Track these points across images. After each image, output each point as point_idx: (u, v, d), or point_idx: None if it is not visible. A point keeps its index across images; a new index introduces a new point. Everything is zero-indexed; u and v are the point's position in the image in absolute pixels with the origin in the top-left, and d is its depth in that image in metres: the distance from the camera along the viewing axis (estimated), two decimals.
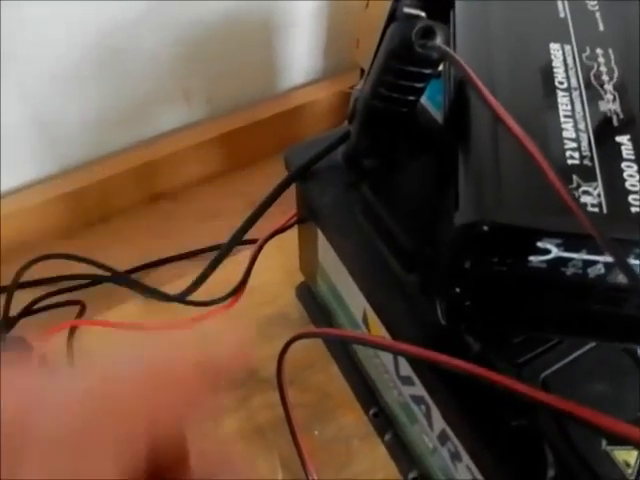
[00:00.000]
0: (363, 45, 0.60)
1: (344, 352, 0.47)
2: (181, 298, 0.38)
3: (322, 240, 0.39)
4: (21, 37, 0.48)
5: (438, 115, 0.36)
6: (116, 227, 0.63)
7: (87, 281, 0.56)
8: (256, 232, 0.42)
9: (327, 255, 0.39)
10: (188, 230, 0.64)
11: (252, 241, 0.42)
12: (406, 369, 0.34)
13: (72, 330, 0.49)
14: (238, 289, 0.40)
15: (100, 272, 0.55)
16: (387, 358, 0.37)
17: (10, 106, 0.52)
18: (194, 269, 0.49)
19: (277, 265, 0.53)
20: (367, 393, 0.46)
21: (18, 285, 0.55)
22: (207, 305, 0.41)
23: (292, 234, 0.46)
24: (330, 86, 0.67)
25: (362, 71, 0.64)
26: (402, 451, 0.43)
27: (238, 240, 0.36)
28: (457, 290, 0.28)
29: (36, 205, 0.58)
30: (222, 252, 0.35)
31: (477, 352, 0.29)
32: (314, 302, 0.50)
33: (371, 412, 0.45)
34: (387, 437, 0.44)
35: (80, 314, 0.53)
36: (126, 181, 0.62)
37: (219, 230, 0.63)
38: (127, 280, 0.48)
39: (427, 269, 0.31)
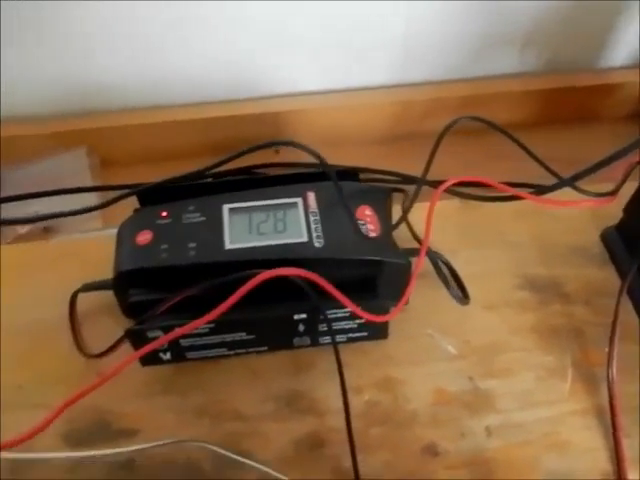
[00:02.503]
0: None
1: None
2: (570, 182, 0.43)
3: None
4: None
5: None
6: (419, 145, 0.70)
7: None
8: None
9: None
10: (479, 166, 0.71)
11: None
12: None
13: None
14: (614, 192, 0.46)
15: None
16: None
17: (390, 19, 0.62)
18: None
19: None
20: None
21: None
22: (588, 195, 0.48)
23: None
24: None
25: None
26: None
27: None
28: None
29: (375, 105, 0.68)
30: (619, 152, 0.39)
31: None
32: (620, 245, 0.55)
33: None
34: None
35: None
36: (446, 106, 0.70)
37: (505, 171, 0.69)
38: None
39: None
